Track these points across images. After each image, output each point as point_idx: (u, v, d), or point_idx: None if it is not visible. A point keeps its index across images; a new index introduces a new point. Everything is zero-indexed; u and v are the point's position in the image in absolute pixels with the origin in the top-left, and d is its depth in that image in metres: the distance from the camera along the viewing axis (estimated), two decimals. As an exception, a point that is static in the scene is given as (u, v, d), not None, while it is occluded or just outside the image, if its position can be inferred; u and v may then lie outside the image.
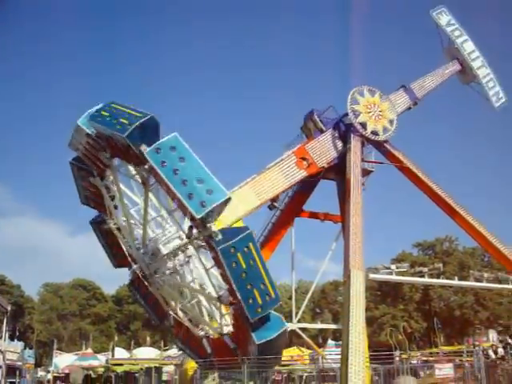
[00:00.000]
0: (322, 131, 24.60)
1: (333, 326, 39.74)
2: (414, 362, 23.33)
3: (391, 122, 24.27)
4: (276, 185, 22.94)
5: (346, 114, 24.04)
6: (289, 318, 28.61)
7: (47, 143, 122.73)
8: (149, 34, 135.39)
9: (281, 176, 23.27)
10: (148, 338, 59.12)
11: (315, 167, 23.79)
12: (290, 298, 29.71)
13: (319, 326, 43.91)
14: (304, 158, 23.89)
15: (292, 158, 23.51)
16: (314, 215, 27.26)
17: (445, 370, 18.22)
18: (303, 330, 34.72)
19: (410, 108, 26.49)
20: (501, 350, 26.02)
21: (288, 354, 32.50)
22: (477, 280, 23.99)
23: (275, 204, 25.70)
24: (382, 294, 65.40)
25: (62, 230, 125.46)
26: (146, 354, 44.96)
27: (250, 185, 22.48)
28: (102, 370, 38.98)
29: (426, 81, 27.25)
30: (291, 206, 26.33)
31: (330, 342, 41.31)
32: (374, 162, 25.74)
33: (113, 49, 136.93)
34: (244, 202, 21.81)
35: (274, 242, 26.46)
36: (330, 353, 26.93)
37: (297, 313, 28.55)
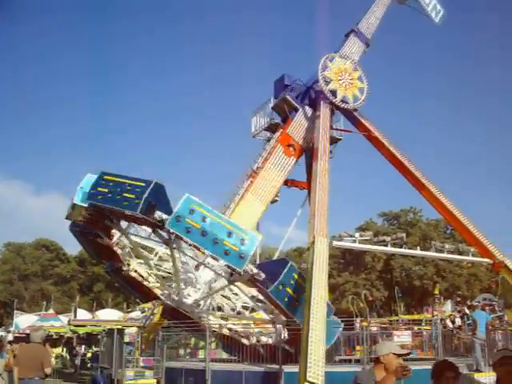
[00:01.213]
0: (296, 109, 24.49)
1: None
2: (374, 329, 23.68)
3: (361, 90, 24.10)
4: (274, 182, 23.42)
5: (317, 81, 23.83)
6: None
7: (8, 101, 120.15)
8: None
9: (275, 171, 23.60)
10: (111, 300, 59.03)
11: (301, 149, 24.04)
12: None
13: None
14: (290, 145, 24.00)
15: (279, 149, 23.63)
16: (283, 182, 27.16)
17: (403, 337, 18.53)
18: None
19: (364, 52, 26.15)
20: (458, 320, 26.61)
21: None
22: (438, 251, 24.24)
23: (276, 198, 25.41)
24: (345, 262, 66.36)
25: (26, 190, 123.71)
26: (109, 315, 44.91)
27: (251, 192, 22.93)
28: (64, 331, 38.84)
29: (370, 17, 26.60)
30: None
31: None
32: (343, 130, 25.67)
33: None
34: (252, 212, 22.74)
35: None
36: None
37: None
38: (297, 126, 24.17)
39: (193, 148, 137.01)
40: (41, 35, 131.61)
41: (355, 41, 25.98)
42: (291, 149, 24.02)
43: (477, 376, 16.48)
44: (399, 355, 5.31)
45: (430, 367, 5.50)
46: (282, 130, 24.38)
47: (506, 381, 5.32)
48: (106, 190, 17.06)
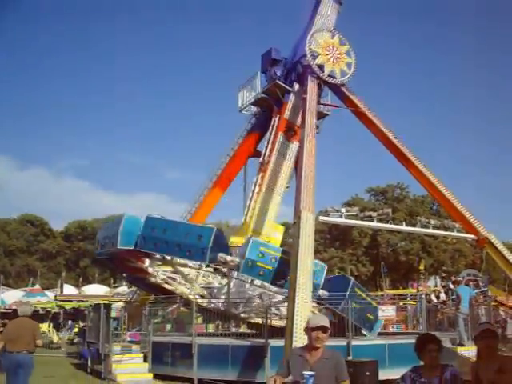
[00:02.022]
0: (288, 92, 24.37)
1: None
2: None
3: (349, 65, 23.92)
4: (284, 171, 23.97)
5: (304, 55, 23.64)
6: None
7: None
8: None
9: (283, 161, 24.05)
10: (97, 275, 59.02)
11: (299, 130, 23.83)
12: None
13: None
14: (289, 129, 24.18)
15: (280, 137, 23.90)
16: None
17: (387, 311, 18.64)
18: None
19: (339, 12, 25.86)
20: (442, 295, 26.91)
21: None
22: (423, 226, 24.34)
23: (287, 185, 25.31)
24: (331, 237, 66.67)
25: (10, 164, 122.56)
26: (95, 290, 44.95)
27: (266, 187, 23.65)
28: (50, 306, 38.81)
29: None
30: (244, 145, 26.10)
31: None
32: (330, 106, 25.57)
33: None
34: (272, 207, 23.55)
35: (227, 181, 26.36)
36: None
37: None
38: (292, 109, 24.24)
39: (179, 123, 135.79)
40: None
41: (328, 1, 25.68)
42: (291, 133, 24.23)
43: (460, 350, 16.66)
44: (313, 329, 5.36)
45: (414, 341, 5.53)
46: (278, 115, 24.44)
47: (485, 353, 5.41)
48: (158, 236, 18.78)
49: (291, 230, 19.37)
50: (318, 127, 24.08)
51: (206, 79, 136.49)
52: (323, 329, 5.39)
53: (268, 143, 24.62)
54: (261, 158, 24.73)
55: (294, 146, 24.18)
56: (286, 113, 24.21)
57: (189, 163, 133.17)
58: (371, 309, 19.49)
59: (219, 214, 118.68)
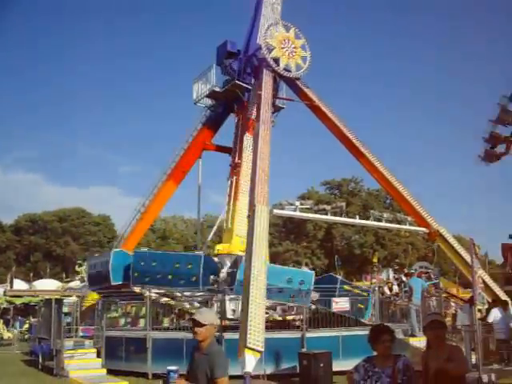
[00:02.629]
0: (248, 90, 24.31)
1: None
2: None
3: (304, 59, 23.98)
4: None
5: (260, 48, 23.60)
6: (194, 251, 28.73)
7: None
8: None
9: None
10: (48, 270, 57.95)
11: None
12: (196, 232, 29.68)
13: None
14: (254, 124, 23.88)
15: (248, 139, 23.80)
16: (220, 149, 27.04)
17: (341, 303, 18.83)
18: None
19: None
20: (395, 287, 27.33)
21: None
22: (377, 220, 24.66)
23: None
24: (286, 230, 67.05)
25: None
26: (47, 285, 44.09)
27: (241, 189, 23.46)
28: (0, 302, 37.96)
29: None
30: (199, 138, 25.92)
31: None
32: (285, 99, 25.58)
33: None
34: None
35: (181, 174, 26.13)
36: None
37: (201, 247, 28.59)
38: (254, 107, 24.03)
39: (133, 116, 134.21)
40: None
41: None
42: None
43: (411, 341, 16.98)
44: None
45: (367, 332, 5.58)
46: (241, 115, 24.52)
47: (434, 343, 5.57)
48: (149, 270, 19.53)
49: (246, 224, 19.33)
50: (273, 121, 24.08)
51: (159, 70, 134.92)
52: (195, 323, 5.46)
53: (236, 145, 24.73)
54: (230, 161, 24.94)
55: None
56: (249, 112, 24.01)
57: (142, 156, 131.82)
58: (361, 300, 20.65)
59: (174, 207, 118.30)
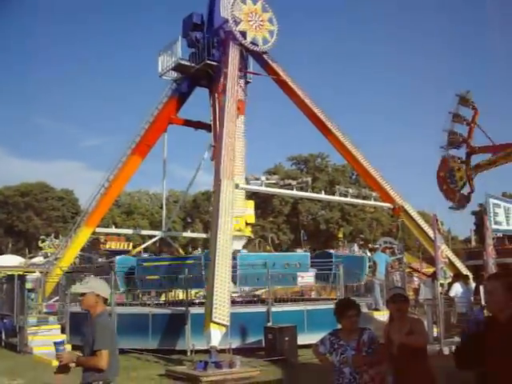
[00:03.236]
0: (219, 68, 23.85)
1: (202, 235, 40.30)
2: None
3: (271, 33, 23.77)
4: (238, 151, 22.42)
5: (227, 21, 23.29)
6: (159, 226, 28.58)
7: None
8: None
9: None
10: (11, 245, 57.09)
11: (242, 102, 23.40)
12: (162, 207, 29.51)
13: (189, 234, 44.34)
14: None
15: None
16: (187, 123, 26.73)
17: (307, 278, 18.96)
18: (174, 238, 34.93)
19: None
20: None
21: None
22: (342, 195, 24.85)
23: None
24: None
25: None
26: (9, 261, 43.36)
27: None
28: (-41, 278, 37.24)
29: None
30: (165, 111, 25.51)
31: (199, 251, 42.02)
32: (252, 73, 25.28)
33: None
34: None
35: (146, 148, 25.71)
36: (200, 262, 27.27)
37: (167, 222, 28.46)
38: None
39: (96, 88, 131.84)
40: None
41: None
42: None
43: (375, 314, 17.21)
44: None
45: (333, 306, 5.60)
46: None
47: (396, 316, 5.60)
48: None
49: (213, 199, 19.29)
50: (246, 94, 23.90)
51: (123, 42, 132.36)
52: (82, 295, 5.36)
53: (216, 126, 23.77)
54: (212, 142, 24.41)
55: (240, 121, 23.23)
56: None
57: (107, 130, 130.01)
58: (357, 264, 21.73)
59: (139, 181, 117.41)
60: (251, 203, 23.92)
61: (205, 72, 24.50)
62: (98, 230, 27.91)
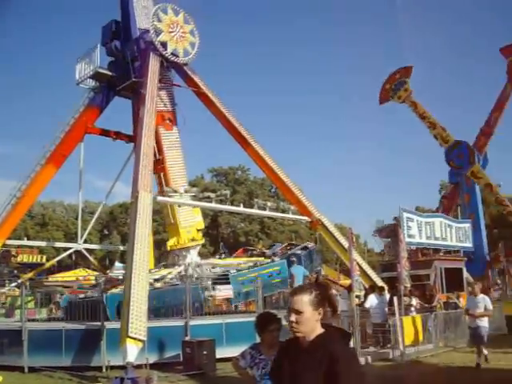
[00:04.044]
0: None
1: (120, 248, 39.55)
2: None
3: (193, 44, 23.77)
4: (181, 162, 24.18)
5: (147, 31, 23.09)
6: (75, 238, 27.81)
7: None
8: None
9: (175, 151, 24.14)
10: None
11: (173, 113, 24.42)
12: (77, 219, 28.75)
13: (105, 247, 43.45)
14: (164, 119, 24.02)
15: (163, 131, 23.87)
16: (105, 133, 26.15)
17: (224, 290, 18.91)
18: (90, 251, 34.04)
19: None
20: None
21: (74, 274, 31.78)
22: (261, 208, 25.01)
23: None
24: (172, 218, 66.38)
25: None
26: None
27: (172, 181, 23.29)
28: None
29: None
30: (82, 121, 24.85)
31: (117, 264, 41.12)
32: (172, 85, 25.13)
33: None
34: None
35: (61, 158, 24.91)
36: (118, 274, 26.71)
37: (83, 234, 27.69)
38: (161, 98, 24.04)
39: (11, 94, 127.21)
40: None
41: None
42: (168, 121, 24.11)
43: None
44: None
45: (253, 319, 5.54)
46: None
47: None
48: None
49: (130, 211, 18.93)
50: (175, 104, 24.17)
51: (41, 49, 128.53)
52: None
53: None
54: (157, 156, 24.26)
55: (174, 133, 24.36)
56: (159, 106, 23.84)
57: (21, 138, 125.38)
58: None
59: (53, 191, 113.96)
60: (197, 210, 24.40)
61: (124, 82, 24.17)
62: (9, 242, 26.82)
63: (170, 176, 23.57)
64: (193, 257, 23.38)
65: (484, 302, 14.15)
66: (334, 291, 24.96)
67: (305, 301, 3.33)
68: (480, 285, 15.18)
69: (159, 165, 23.89)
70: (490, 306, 14.43)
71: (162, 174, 23.92)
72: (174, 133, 24.39)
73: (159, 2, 24.31)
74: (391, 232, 27.49)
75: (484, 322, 13.99)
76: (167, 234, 26.65)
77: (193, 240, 23.29)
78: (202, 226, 24.59)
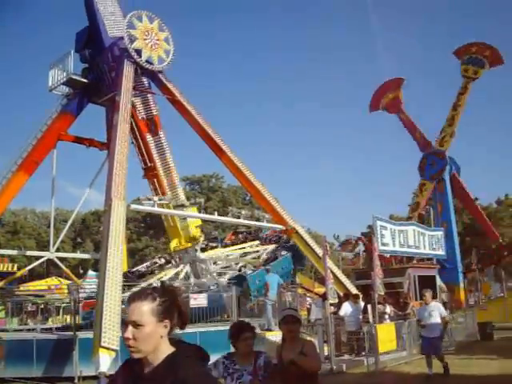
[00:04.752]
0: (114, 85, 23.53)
1: (93, 256, 39.10)
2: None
3: (167, 52, 23.71)
4: (172, 166, 24.89)
5: (122, 38, 22.96)
6: (47, 247, 27.45)
7: None
8: None
9: (166, 155, 25.01)
10: None
11: (157, 117, 25.06)
12: (49, 227, 28.36)
13: (78, 255, 42.85)
14: (150, 126, 24.73)
15: (150, 140, 24.67)
16: (78, 140, 25.84)
17: (199, 300, 18.78)
18: (62, 259, 33.59)
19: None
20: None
21: (46, 283, 31.35)
22: (235, 216, 25.03)
23: None
24: (145, 225, 66.09)
25: None
26: None
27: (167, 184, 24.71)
28: None
29: None
30: (55, 127, 24.52)
31: (90, 272, 40.66)
32: (146, 92, 25.05)
33: None
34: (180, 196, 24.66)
35: (33, 165, 24.49)
36: (91, 283, 26.42)
37: (55, 242, 27.30)
38: (139, 107, 24.63)
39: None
40: None
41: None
42: (153, 127, 24.72)
43: (268, 335, 17.29)
44: None
45: (226, 328, 5.50)
46: (134, 119, 24.32)
47: (288, 337, 5.66)
48: None
49: (103, 219, 18.78)
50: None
51: (13, 53, 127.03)
52: None
53: (141, 148, 25.11)
54: (142, 165, 25.38)
55: (162, 137, 25.08)
56: (138, 114, 24.62)
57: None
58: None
59: (25, 199, 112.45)
60: (194, 208, 25.12)
61: (99, 88, 24.03)
62: (-21, 250, 26.38)
63: (163, 181, 24.42)
64: (195, 254, 24.11)
65: (437, 309, 13.74)
66: (308, 299, 25.17)
67: (145, 310, 2.46)
68: (431, 292, 14.88)
69: (151, 171, 24.81)
70: (445, 313, 14.18)
71: (155, 180, 24.76)
72: (161, 138, 25.04)
73: (126, 7, 24.42)
74: (353, 246, 27.97)
75: (439, 332, 13.62)
76: (141, 243, 26.50)
77: (194, 239, 24.17)
78: (199, 222, 25.24)
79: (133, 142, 25.49)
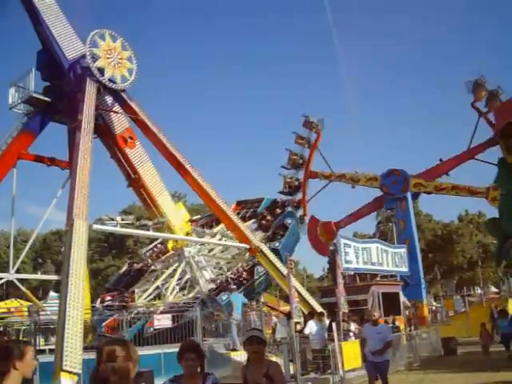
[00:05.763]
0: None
1: (54, 277, 38.37)
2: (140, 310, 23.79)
3: (131, 71, 23.62)
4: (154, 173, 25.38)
5: (84, 56, 22.77)
6: (7, 267, 26.86)
7: None
8: None
9: (148, 163, 25.42)
10: None
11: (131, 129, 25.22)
12: (9, 247, 27.77)
13: (39, 276, 42.04)
14: (126, 139, 24.82)
15: (131, 152, 24.94)
16: (39, 159, 25.38)
17: (163, 320, 18.59)
18: (23, 281, 32.88)
19: None
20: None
21: (5, 306, 30.63)
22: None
23: None
24: (108, 245, 65.36)
25: None
26: None
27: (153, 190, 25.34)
28: None
29: None
30: (15, 146, 24.03)
31: (51, 294, 39.90)
32: (108, 111, 24.81)
33: None
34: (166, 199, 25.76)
35: (-9, 186, 24.10)
36: (52, 305, 25.88)
37: (15, 263, 26.70)
38: (114, 122, 24.77)
39: None
40: None
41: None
42: (129, 139, 24.89)
43: (233, 355, 17.17)
44: None
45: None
46: (114, 136, 24.80)
47: (253, 358, 5.59)
48: None
49: (65, 239, 18.44)
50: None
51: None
52: None
53: (122, 162, 25.88)
54: (125, 177, 26.29)
55: (140, 147, 25.39)
56: (115, 129, 24.76)
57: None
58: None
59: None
60: (180, 205, 26.97)
61: (60, 107, 23.76)
62: None
63: (150, 189, 25.00)
64: (191, 250, 25.44)
65: (388, 331, 12.76)
66: (274, 318, 25.09)
67: None
68: (379, 312, 14.29)
69: (137, 182, 25.58)
70: (391, 336, 13.07)
71: (142, 190, 25.57)
72: (139, 147, 25.31)
73: (79, 28, 24.24)
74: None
75: (389, 355, 12.72)
76: (103, 263, 26.58)
77: (188, 235, 25.62)
78: (188, 216, 26.80)
79: (112, 157, 26.22)
